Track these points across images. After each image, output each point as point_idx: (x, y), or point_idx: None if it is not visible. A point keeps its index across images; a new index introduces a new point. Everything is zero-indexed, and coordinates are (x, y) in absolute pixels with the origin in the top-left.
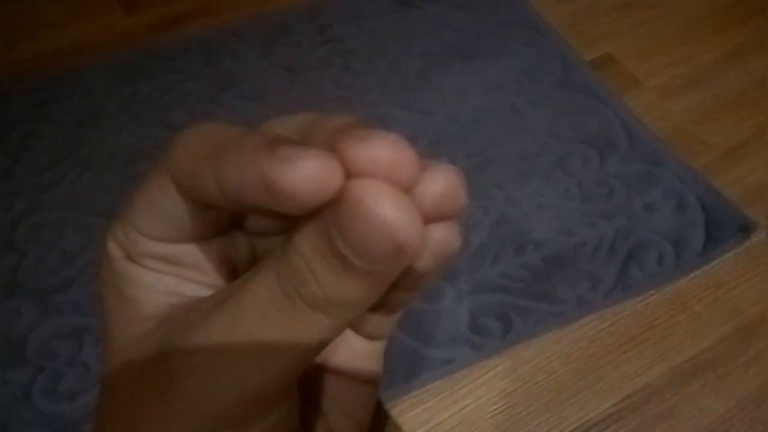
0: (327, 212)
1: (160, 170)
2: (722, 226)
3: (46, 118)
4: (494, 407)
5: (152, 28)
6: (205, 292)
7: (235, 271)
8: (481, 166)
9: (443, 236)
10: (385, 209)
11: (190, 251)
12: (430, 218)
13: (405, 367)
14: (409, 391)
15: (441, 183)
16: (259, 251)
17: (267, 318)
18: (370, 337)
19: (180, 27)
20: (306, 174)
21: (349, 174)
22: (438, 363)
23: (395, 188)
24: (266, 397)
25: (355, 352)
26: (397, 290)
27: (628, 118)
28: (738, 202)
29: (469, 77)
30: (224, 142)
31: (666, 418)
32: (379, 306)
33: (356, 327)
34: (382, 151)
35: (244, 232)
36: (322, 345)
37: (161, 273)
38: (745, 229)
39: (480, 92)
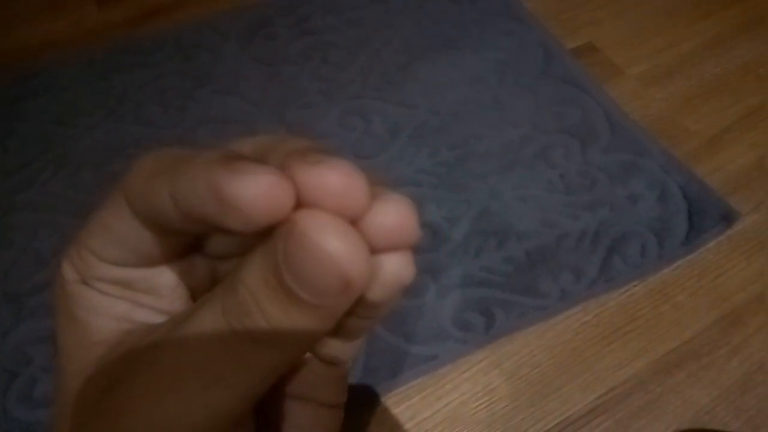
0: (274, 243)
1: (115, 194)
2: (705, 216)
3: (18, 116)
4: (478, 402)
5: (126, 22)
6: (158, 319)
7: (192, 295)
8: (463, 158)
9: (395, 267)
10: (332, 243)
11: (146, 275)
12: (381, 249)
13: (388, 364)
14: (393, 388)
15: (391, 214)
16: (219, 274)
17: (212, 352)
18: (331, 362)
19: (155, 21)
20: (257, 189)
21: (300, 199)
22: (421, 359)
23: (342, 221)
24: (214, 430)
25: (317, 376)
26: (353, 318)
27: (611, 108)
28: (721, 191)
29: (450, 69)
30: (179, 158)
31: (650, 410)
32: (337, 332)
33: (316, 352)
34: (333, 178)
35: (203, 255)
36: (271, 378)
37: (114, 297)
38: (727, 217)
39: (462, 84)
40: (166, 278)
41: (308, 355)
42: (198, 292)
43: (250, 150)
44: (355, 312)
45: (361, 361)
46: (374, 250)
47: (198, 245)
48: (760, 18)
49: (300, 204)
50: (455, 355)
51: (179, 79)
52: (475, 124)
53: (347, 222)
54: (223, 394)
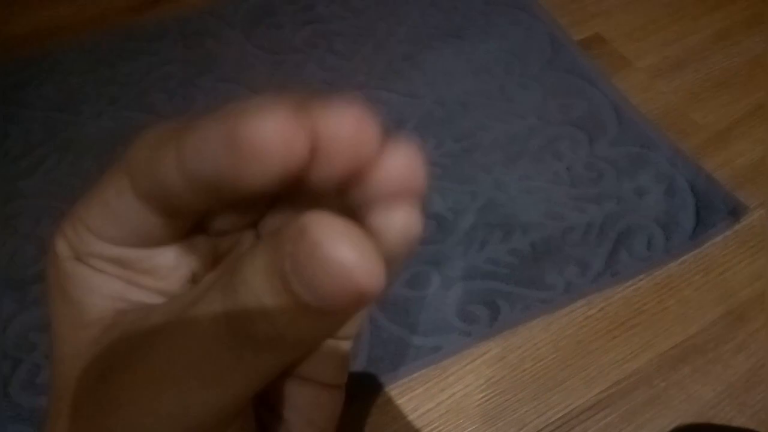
0: (280, 243)
1: (117, 171)
2: (712, 210)
3: (22, 103)
4: (482, 395)
5: (130, 8)
6: (155, 299)
7: (192, 276)
8: (469, 149)
9: (403, 221)
10: (346, 255)
11: (145, 255)
12: (390, 198)
13: (391, 355)
14: (396, 380)
15: (401, 160)
16: (220, 251)
17: (210, 353)
18: (334, 336)
19: (159, 7)
20: (274, 125)
21: (313, 145)
22: (425, 351)
23: (356, 228)
24: (213, 424)
25: (317, 354)
26: None
27: (618, 100)
28: (728, 185)
29: (456, 59)
30: (185, 125)
31: (654, 405)
32: None
33: None
34: (347, 120)
35: (204, 233)
36: (274, 375)
37: (109, 275)
38: (735, 212)
39: (468, 74)
40: (165, 258)
41: None
42: (198, 271)
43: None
44: None
45: (365, 352)
46: (383, 199)
47: (200, 226)
48: None
49: (313, 151)
50: (459, 347)
51: (183, 66)
52: (481, 115)
53: (360, 227)
54: (222, 392)
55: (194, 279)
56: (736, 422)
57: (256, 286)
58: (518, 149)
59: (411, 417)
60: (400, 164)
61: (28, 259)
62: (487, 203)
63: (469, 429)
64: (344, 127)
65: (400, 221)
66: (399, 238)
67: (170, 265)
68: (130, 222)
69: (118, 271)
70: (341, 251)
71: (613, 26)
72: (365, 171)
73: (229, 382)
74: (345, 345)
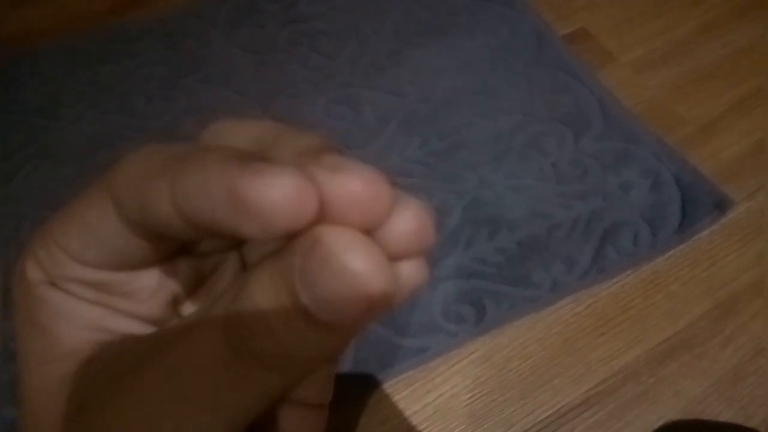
0: (288, 259)
1: (99, 191)
2: (698, 204)
3: (0, 107)
4: (469, 395)
5: (111, 9)
6: (134, 327)
7: (174, 299)
8: (454, 147)
9: (411, 273)
10: (360, 263)
11: (125, 279)
12: (399, 256)
13: (378, 357)
14: (383, 381)
15: (411, 221)
16: (203, 273)
17: (210, 375)
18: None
19: (140, 8)
20: (282, 191)
21: (322, 205)
22: (412, 352)
23: (369, 239)
24: None
25: None
26: None
27: (603, 95)
28: (714, 178)
29: (441, 56)
30: (182, 155)
31: (642, 401)
32: None
33: None
34: (358, 186)
35: (186, 254)
36: (275, 399)
37: (86, 302)
38: (721, 205)
39: (453, 71)
40: (146, 281)
41: None
42: (179, 294)
43: (250, 140)
44: None
45: (351, 354)
46: (392, 257)
47: (183, 247)
48: (754, 3)
49: (321, 210)
50: (446, 348)
51: (165, 68)
52: (467, 113)
53: (370, 237)
54: (219, 419)
55: (175, 302)
56: (724, 417)
57: (262, 302)
58: (504, 146)
59: (398, 419)
60: (410, 226)
61: (6, 267)
62: (472, 201)
63: (457, 430)
64: (356, 194)
65: (405, 273)
66: (404, 288)
67: (151, 288)
68: (112, 245)
69: (95, 296)
70: (356, 260)
71: (598, 20)
72: (376, 228)
73: (228, 406)
74: (331, 366)
